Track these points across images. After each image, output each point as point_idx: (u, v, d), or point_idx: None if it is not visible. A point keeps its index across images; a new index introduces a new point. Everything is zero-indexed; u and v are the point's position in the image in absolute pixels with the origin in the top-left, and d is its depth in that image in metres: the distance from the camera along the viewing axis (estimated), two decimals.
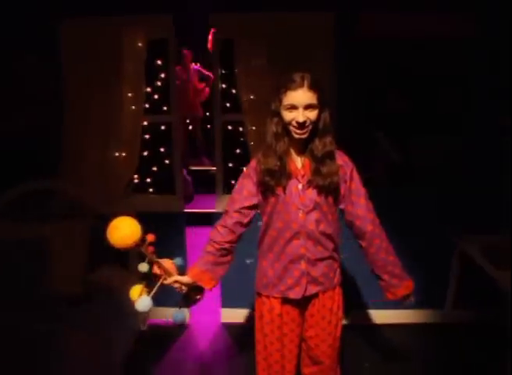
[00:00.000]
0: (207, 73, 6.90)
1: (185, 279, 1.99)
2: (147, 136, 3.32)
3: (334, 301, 2.08)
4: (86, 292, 2.89)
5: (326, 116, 1.89)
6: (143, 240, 1.91)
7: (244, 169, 2.06)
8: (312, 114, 1.82)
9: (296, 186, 1.90)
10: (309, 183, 1.89)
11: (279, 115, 1.86)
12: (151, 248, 1.96)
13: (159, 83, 3.24)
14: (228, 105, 3.29)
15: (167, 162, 3.29)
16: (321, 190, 1.88)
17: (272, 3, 3.00)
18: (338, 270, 2.09)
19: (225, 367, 3.11)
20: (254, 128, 3.16)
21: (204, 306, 3.02)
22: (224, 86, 3.20)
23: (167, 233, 3.06)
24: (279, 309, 2.04)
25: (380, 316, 3.54)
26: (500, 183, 3.17)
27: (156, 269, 1.98)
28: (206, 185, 6.39)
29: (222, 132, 3.35)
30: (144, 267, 1.96)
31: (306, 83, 1.80)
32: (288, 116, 1.83)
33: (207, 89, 6.91)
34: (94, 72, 3.07)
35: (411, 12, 3.02)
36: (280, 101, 1.84)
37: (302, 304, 2.06)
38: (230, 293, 3.55)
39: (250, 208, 2.01)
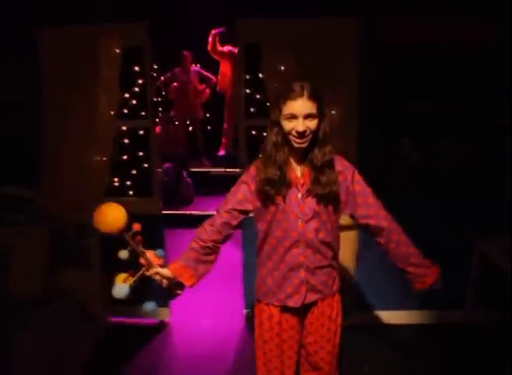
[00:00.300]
0: (207, 74, 6.88)
1: (166, 272, 2.00)
2: (126, 140, 3.47)
3: (333, 309, 2.09)
4: (47, 294, 2.93)
5: (326, 125, 1.90)
6: (128, 228, 1.95)
7: (243, 174, 2.06)
8: (312, 123, 1.83)
9: (296, 195, 1.90)
10: (308, 193, 1.90)
11: (278, 124, 1.88)
12: (137, 238, 2.00)
13: (137, 89, 3.34)
14: (252, 109, 3.30)
15: (146, 165, 3.37)
16: (321, 199, 1.89)
17: (299, 8, 3.03)
18: (337, 278, 2.09)
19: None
20: None
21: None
22: (248, 91, 3.20)
23: (146, 234, 3.12)
24: (279, 317, 2.05)
25: (400, 316, 3.57)
26: None
27: (141, 259, 2.00)
28: (206, 187, 6.39)
29: (246, 137, 3.34)
30: (123, 254, 2.00)
31: (306, 92, 1.81)
32: (288, 125, 1.84)
33: (207, 90, 6.90)
34: (71, 79, 3.18)
35: (436, 18, 3.07)
36: (280, 110, 1.85)
37: (301, 311, 2.06)
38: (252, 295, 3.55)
39: (242, 212, 2.01)
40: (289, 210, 1.90)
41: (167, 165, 6.20)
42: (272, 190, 1.89)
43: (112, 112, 3.20)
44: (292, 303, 2.01)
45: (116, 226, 1.91)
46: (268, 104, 3.15)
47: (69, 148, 3.25)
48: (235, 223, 2.03)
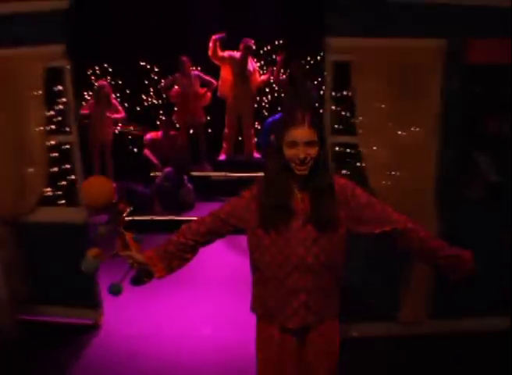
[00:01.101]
0: (207, 78, 6.87)
1: (139, 257, 2.01)
2: (55, 154, 3.65)
3: (333, 329, 2.09)
4: None
5: (325, 152, 1.97)
6: (114, 205, 1.98)
7: (244, 192, 2.04)
8: (312, 150, 1.86)
9: (297, 221, 1.92)
10: (308, 219, 1.91)
11: (280, 152, 1.91)
12: (121, 217, 2.01)
13: (61, 107, 3.58)
14: (337, 126, 3.39)
15: (73, 177, 3.61)
16: (320, 225, 1.91)
17: (388, 28, 3.17)
18: (338, 300, 2.09)
19: None
20: (368, 150, 3.25)
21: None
22: (334, 107, 3.33)
23: (71, 242, 3.38)
24: (279, 337, 2.04)
25: (449, 325, 3.49)
26: None
27: (118, 239, 2.01)
28: (207, 192, 6.38)
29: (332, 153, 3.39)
30: (103, 229, 2.04)
31: (306, 121, 1.86)
32: (289, 152, 1.87)
33: (208, 94, 6.89)
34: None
35: None
36: (282, 138, 1.89)
37: (301, 332, 2.05)
38: None
39: (233, 226, 2.03)
40: (289, 236, 1.92)
41: (167, 169, 6.18)
42: (275, 217, 1.91)
43: (41, 128, 3.43)
44: (291, 325, 2.01)
45: (102, 200, 1.94)
46: (353, 121, 3.30)
47: (2, 162, 3.46)
48: (223, 232, 2.06)
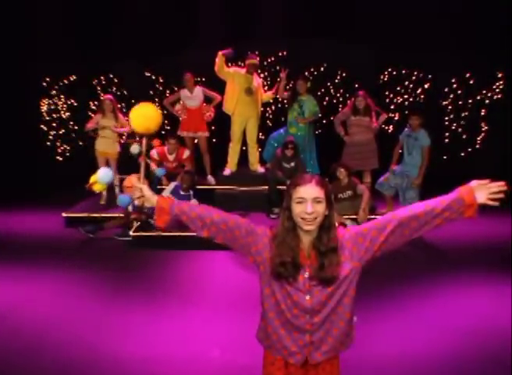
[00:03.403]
0: (211, 93, 6.95)
1: (149, 194, 2.08)
2: None
3: (336, 366, 2.16)
4: None
5: (332, 213, 2.01)
6: (150, 138, 2.09)
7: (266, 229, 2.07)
8: (319, 207, 1.94)
9: (303, 274, 1.99)
10: (313, 277, 1.98)
11: (289, 210, 1.99)
12: (151, 153, 2.15)
13: None
14: None
15: None
16: (325, 282, 1.97)
17: None
18: (347, 339, 2.11)
19: None
20: None
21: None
22: None
23: None
24: (282, 367, 2.12)
25: None
26: None
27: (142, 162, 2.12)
28: (212, 206, 6.43)
29: None
30: (135, 149, 2.16)
31: (314, 180, 1.96)
32: (297, 208, 1.94)
33: (212, 109, 6.96)
34: None
35: None
36: (291, 196, 1.97)
37: (305, 366, 2.12)
38: None
39: (243, 239, 2.03)
40: (297, 287, 2.00)
41: (174, 183, 6.26)
42: (286, 272, 1.98)
43: None
44: (293, 361, 2.08)
45: (153, 126, 2.11)
46: None
47: None
48: (233, 237, 2.03)
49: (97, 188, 2.25)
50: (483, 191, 1.94)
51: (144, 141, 2.12)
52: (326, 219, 1.99)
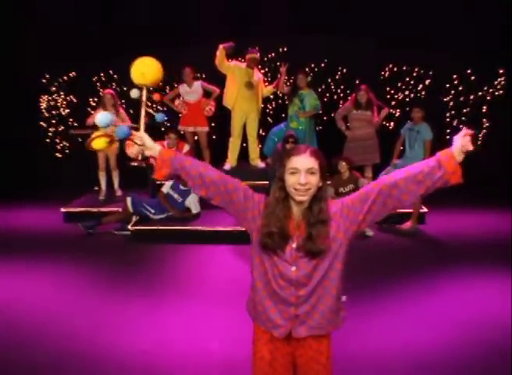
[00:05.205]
0: (211, 86, 6.92)
1: (151, 143, 2.03)
2: None
3: (323, 345, 2.10)
4: None
5: (325, 185, 1.99)
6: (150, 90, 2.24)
7: (262, 195, 2.06)
8: (313, 178, 1.91)
9: (291, 245, 1.97)
10: (302, 245, 1.95)
11: (282, 180, 1.96)
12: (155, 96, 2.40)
13: None
14: None
15: None
16: (312, 254, 1.95)
17: None
18: (330, 317, 2.05)
19: None
20: None
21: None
22: None
23: None
24: (268, 342, 2.09)
25: None
26: None
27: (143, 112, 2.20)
28: None
29: None
30: (135, 94, 2.27)
31: (309, 150, 1.93)
32: (290, 179, 1.92)
33: (213, 103, 6.92)
34: None
35: None
36: (284, 166, 1.95)
37: (291, 342, 2.08)
38: None
39: (240, 202, 1.99)
40: (283, 257, 1.97)
41: (174, 179, 6.22)
42: (272, 243, 1.96)
43: None
44: (277, 334, 2.04)
45: (154, 78, 2.26)
46: None
47: None
48: (234, 198, 1.99)
49: (97, 145, 2.18)
50: (459, 143, 1.87)
51: (144, 91, 2.08)
52: (319, 191, 1.97)
